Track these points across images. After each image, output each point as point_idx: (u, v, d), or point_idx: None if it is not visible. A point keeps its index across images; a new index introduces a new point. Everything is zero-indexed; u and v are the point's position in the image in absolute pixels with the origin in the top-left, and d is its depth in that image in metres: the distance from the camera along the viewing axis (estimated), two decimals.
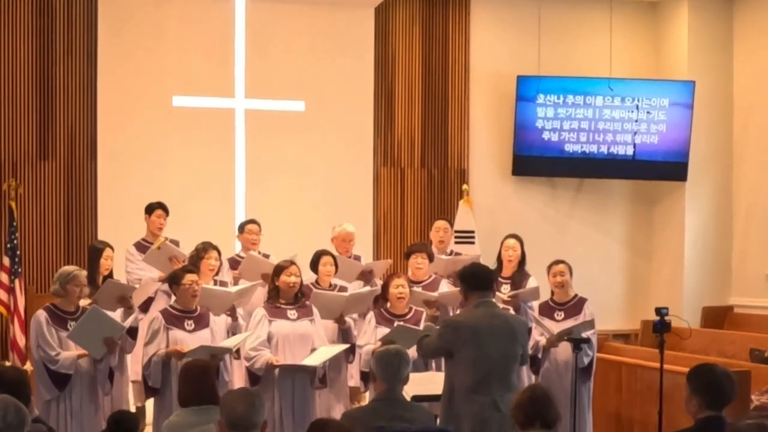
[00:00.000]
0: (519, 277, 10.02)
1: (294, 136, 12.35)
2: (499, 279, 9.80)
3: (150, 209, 10.41)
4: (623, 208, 13.67)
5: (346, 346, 9.01)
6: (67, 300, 8.21)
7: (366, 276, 10.09)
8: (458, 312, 8.54)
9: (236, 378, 9.19)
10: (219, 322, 8.81)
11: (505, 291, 9.79)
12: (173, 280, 8.47)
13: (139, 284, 9.66)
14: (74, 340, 8.08)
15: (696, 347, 11.81)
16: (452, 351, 6.90)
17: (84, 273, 8.39)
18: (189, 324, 8.32)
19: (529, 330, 8.89)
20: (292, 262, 8.76)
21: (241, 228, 10.52)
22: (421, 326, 8.81)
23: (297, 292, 8.75)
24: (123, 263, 10.13)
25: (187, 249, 9.78)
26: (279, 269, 8.76)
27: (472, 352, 6.81)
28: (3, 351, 10.80)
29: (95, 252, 9.57)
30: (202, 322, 8.39)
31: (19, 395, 5.17)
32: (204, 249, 9.38)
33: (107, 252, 9.55)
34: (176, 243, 10.22)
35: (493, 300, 7.31)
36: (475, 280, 7.10)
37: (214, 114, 12.09)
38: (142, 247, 10.26)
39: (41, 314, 8.15)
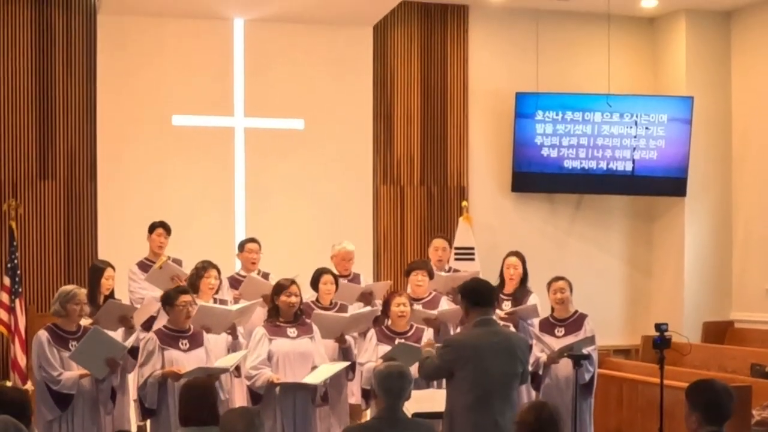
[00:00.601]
0: (520, 294, 10.02)
1: (293, 154, 12.37)
2: (501, 296, 9.80)
3: (151, 228, 10.42)
4: (623, 224, 13.68)
5: (346, 363, 9.00)
6: (68, 319, 8.20)
7: (366, 297, 10.09)
8: (459, 330, 8.54)
9: (237, 397, 9.19)
10: (217, 340, 8.81)
11: (506, 308, 9.79)
12: (166, 301, 8.44)
13: (141, 304, 9.66)
14: (76, 361, 8.07)
15: (697, 362, 11.81)
16: (453, 371, 6.88)
17: (83, 291, 8.38)
18: (184, 344, 8.31)
19: (530, 347, 8.88)
20: (293, 282, 8.75)
21: (241, 246, 10.52)
22: (422, 344, 8.82)
23: (296, 311, 8.75)
24: (124, 282, 10.13)
25: (188, 268, 9.79)
26: (279, 288, 8.75)
27: (472, 371, 6.79)
28: (4, 371, 10.80)
29: (96, 271, 9.57)
30: (196, 342, 8.38)
31: (20, 416, 5.18)
32: (203, 268, 9.38)
33: (108, 272, 9.54)
34: (179, 262, 10.22)
35: (494, 317, 7.29)
36: (477, 296, 7.07)
37: (214, 133, 12.13)
38: (144, 266, 10.26)
39: (42, 334, 8.14)
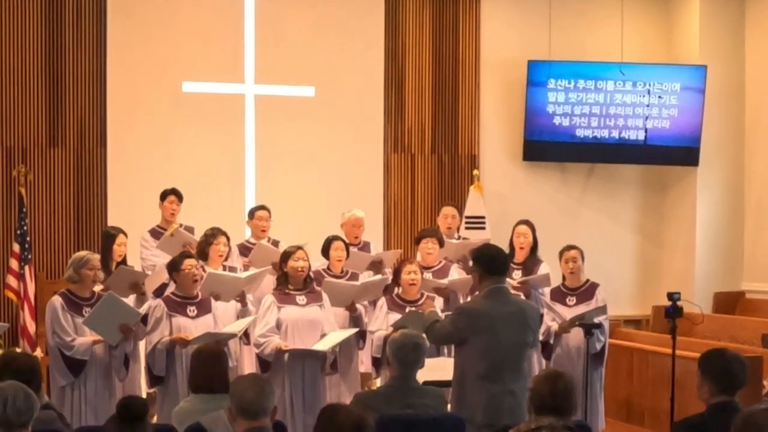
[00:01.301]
0: (531, 263, 10.00)
1: (304, 122, 12.31)
2: (511, 265, 9.75)
3: (163, 195, 10.41)
4: (634, 194, 13.62)
5: (355, 330, 8.99)
6: (82, 285, 8.22)
7: (376, 266, 10.07)
8: (470, 298, 8.50)
9: (246, 364, 9.19)
10: (226, 307, 8.80)
11: (516, 277, 9.75)
12: (173, 267, 8.43)
13: (153, 270, 9.64)
14: (90, 326, 8.08)
15: (707, 333, 11.78)
16: (465, 338, 6.85)
17: (97, 257, 8.40)
18: (192, 310, 8.29)
19: (541, 316, 8.85)
20: (299, 247, 8.73)
21: (251, 214, 10.49)
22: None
23: (306, 278, 8.73)
24: (135, 249, 10.12)
25: (199, 235, 9.78)
26: (286, 255, 8.73)
27: (485, 339, 6.76)
28: (13, 337, 10.80)
29: (108, 238, 9.55)
30: (204, 308, 8.36)
31: (29, 382, 5.16)
32: (213, 235, 9.37)
33: (120, 238, 9.52)
34: (191, 230, 10.22)
35: (506, 286, 7.25)
36: (492, 263, 6.99)
37: (224, 100, 12.07)
38: (156, 233, 10.25)
39: (57, 300, 8.17)
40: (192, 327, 8.19)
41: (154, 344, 8.11)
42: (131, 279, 8.94)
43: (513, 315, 6.89)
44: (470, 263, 7.45)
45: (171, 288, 8.71)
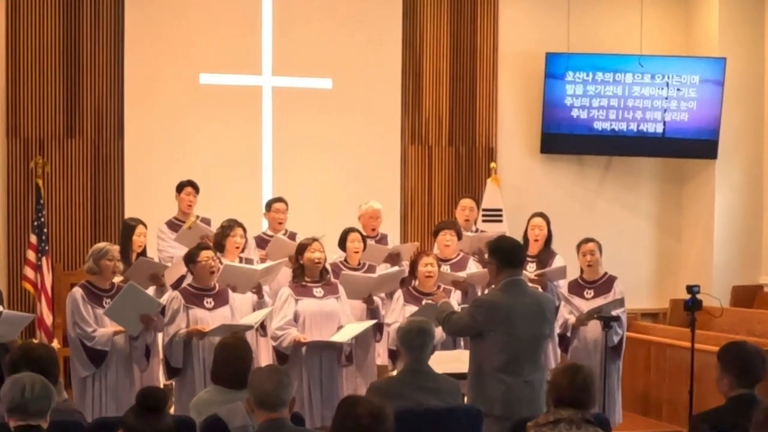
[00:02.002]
0: (545, 255, 9.96)
1: (321, 114, 12.30)
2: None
3: (180, 187, 10.42)
4: (652, 187, 13.57)
5: (372, 322, 8.99)
6: (102, 276, 8.24)
7: (393, 258, 10.04)
8: (488, 291, 8.48)
9: (263, 356, 9.19)
10: (243, 299, 8.80)
11: (530, 269, 9.71)
12: (190, 259, 8.45)
13: (171, 262, 9.65)
14: (111, 317, 8.10)
15: (725, 326, 11.73)
16: (483, 331, 6.83)
17: (116, 248, 8.42)
18: (209, 302, 8.31)
19: (557, 308, 8.83)
20: (315, 239, 8.74)
21: (268, 206, 10.49)
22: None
23: (322, 269, 8.73)
24: (153, 241, 10.13)
25: (213, 226, 9.78)
26: (302, 247, 8.75)
27: (503, 332, 6.75)
28: (30, 329, 10.82)
29: (128, 229, 9.56)
30: (221, 300, 8.37)
31: (47, 373, 5.18)
32: (229, 226, 9.38)
33: (140, 229, 9.52)
34: (207, 222, 10.23)
35: (523, 278, 7.23)
36: (509, 256, 6.98)
37: (241, 91, 12.07)
38: (173, 225, 10.27)
39: (77, 291, 8.20)
40: (209, 319, 8.20)
41: (171, 336, 8.13)
42: (151, 270, 8.94)
43: (530, 307, 6.88)
44: (486, 256, 7.43)
45: (188, 280, 8.72)
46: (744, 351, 5.49)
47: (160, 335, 8.78)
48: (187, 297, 8.27)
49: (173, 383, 9.10)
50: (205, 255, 8.34)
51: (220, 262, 8.77)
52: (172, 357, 8.16)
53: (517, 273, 7.01)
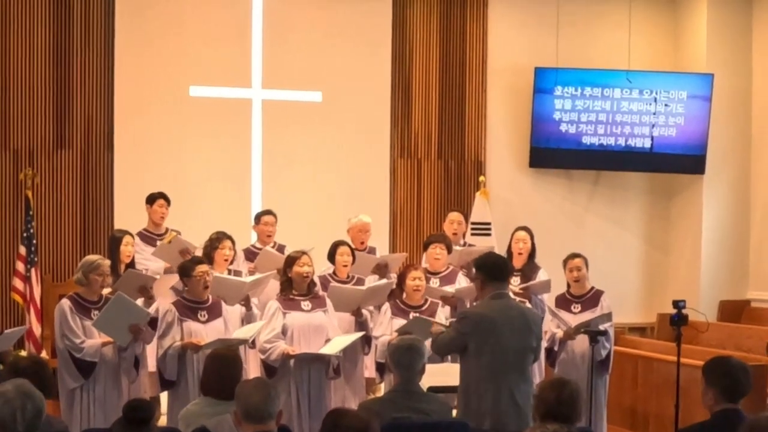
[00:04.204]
0: (529, 269, 9.99)
1: (311, 127, 12.32)
2: None
3: (151, 199, 10.42)
4: (640, 201, 13.61)
5: (360, 334, 8.99)
6: (89, 289, 8.26)
7: (381, 269, 10.06)
8: (474, 304, 8.50)
9: (252, 369, 9.19)
10: (232, 311, 8.81)
11: (514, 283, 9.72)
12: (183, 272, 8.45)
13: (150, 274, 9.65)
14: (99, 328, 8.10)
15: (713, 341, 11.77)
16: (469, 343, 6.85)
17: (108, 263, 8.41)
18: (203, 315, 8.32)
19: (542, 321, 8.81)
20: (304, 252, 8.75)
21: (257, 219, 10.52)
22: (437, 318, 8.81)
23: (310, 283, 8.74)
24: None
25: (201, 239, 9.80)
26: (291, 260, 8.75)
27: (489, 344, 6.78)
28: (19, 340, 10.80)
29: (114, 241, 9.56)
30: (215, 312, 8.39)
31: (34, 384, 5.13)
32: (218, 239, 9.40)
33: (127, 239, 9.52)
34: (177, 232, 10.26)
35: (508, 292, 7.26)
36: (494, 270, 7.03)
37: (231, 104, 12.09)
38: (145, 237, 10.30)
39: (65, 303, 8.21)
40: (203, 331, 8.22)
41: (166, 349, 8.14)
42: (139, 282, 8.93)
43: (516, 319, 6.92)
44: (473, 271, 7.46)
45: (162, 288, 8.75)
46: (729, 366, 5.50)
47: (148, 347, 8.80)
48: (181, 310, 8.28)
49: (159, 396, 9.12)
50: (200, 270, 8.35)
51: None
52: (166, 370, 8.16)
53: (502, 287, 7.05)
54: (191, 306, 8.33)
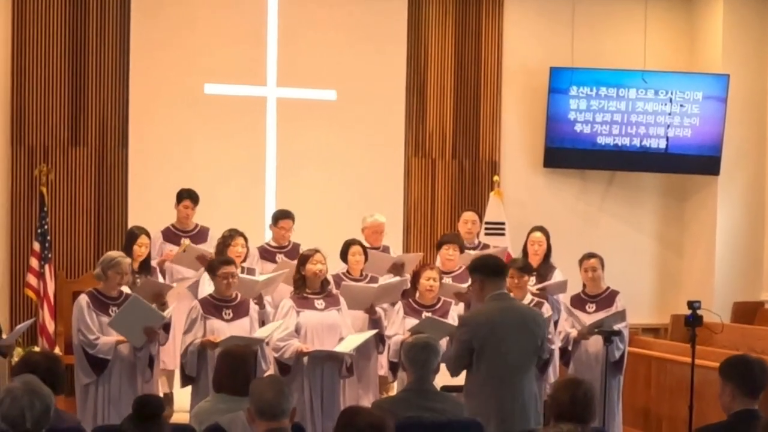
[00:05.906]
0: (544, 269, 10.00)
1: (325, 126, 12.32)
2: None
3: (178, 198, 10.48)
4: (655, 202, 13.57)
5: (374, 332, 8.99)
6: (107, 285, 8.30)
7: (397, 269, 10.05)
8: (473, 308, 8.48)
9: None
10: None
11: (530, 284, 9.71)
12: (211, 270, 8.55)
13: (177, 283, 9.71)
14: (115, 329, 8.14)
15: (726, 343, 11.72)
16: (473, 349, 6.78)
17: (128, 261, 8.46)
18: (227, 313, 8.37)
19: (548, 320, 8.69)
20: (316, 250, 8.75)
21: (275, 220, 10.46)
22: (449, 318, 8.81)
23: (323, 280, 8.74)
24: (156, 250, 10.21)
25: (215, 236, 9.82)
26: (304, 258, 8.76)
27: (490, 347, 6.75)
28: (32, 336, 10.84)
29: (130, 236, 9.66)
30: (241, 311, 8.42)
31: (46, 380, 5.12)
32: (231, 236, 9.45)
33: (142, 239, 9.57)
34: (205, 231, 10.30)
35: (507, 291, 7.23)
36: (489, 266, 7.00)
37: (246, 102, 12.09)
38: (168, 235, 10.45)
39: (83, 298, 8.27)
40: (226, 330, 8.27)
41: (187, 345, 8.21)
42: (156, 289, 8.92)
43: (515, 320, 6.88)
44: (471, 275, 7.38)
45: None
46: (746, 361, 5.51)
47: (163, 347, 8.85)
48: (205, 307, 8.34)
49: (172, 393, 9.14)
50: (224, 271, 8.42)
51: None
52: (187, 365, 8.27)
53: (501, 286, 7.01)
54: (216, 304, 8.39)
